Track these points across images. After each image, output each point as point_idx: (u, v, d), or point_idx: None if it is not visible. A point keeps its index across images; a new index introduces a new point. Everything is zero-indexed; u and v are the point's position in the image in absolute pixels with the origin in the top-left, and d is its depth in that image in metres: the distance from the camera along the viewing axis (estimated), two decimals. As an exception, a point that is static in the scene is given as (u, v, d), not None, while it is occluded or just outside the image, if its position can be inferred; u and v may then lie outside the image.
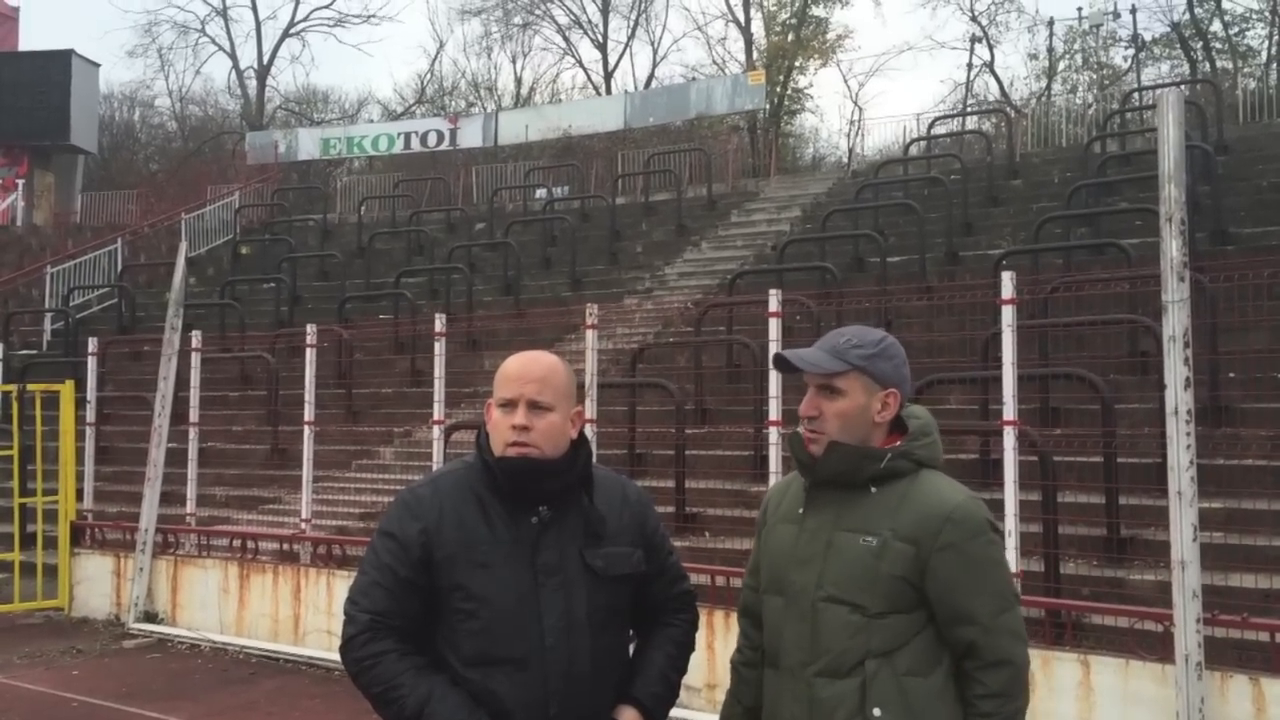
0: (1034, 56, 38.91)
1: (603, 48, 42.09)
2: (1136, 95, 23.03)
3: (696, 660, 7.43)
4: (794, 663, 2.41)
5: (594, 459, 2.66)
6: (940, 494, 2.40)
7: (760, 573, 2.59)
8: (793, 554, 2.46)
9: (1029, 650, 2.48)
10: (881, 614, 2.33)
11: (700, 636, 7.67)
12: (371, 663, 2.41)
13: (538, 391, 2.48)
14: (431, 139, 30.89)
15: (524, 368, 2.52)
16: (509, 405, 2.49)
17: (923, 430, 2.48)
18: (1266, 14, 33.41)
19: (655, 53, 52.76)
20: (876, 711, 2.30)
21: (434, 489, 2.52)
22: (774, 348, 7.88)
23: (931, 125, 23.00)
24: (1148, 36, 34.84)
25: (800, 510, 2.50)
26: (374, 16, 66.65)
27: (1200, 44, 34.17)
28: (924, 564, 2.34)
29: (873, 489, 2.41)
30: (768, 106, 33.27)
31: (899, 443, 2.45)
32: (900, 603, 2.34)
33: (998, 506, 6.52)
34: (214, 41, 44.70)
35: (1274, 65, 32.00)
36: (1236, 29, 34.29)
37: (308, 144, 32.25)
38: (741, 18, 38.43)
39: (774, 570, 2.51)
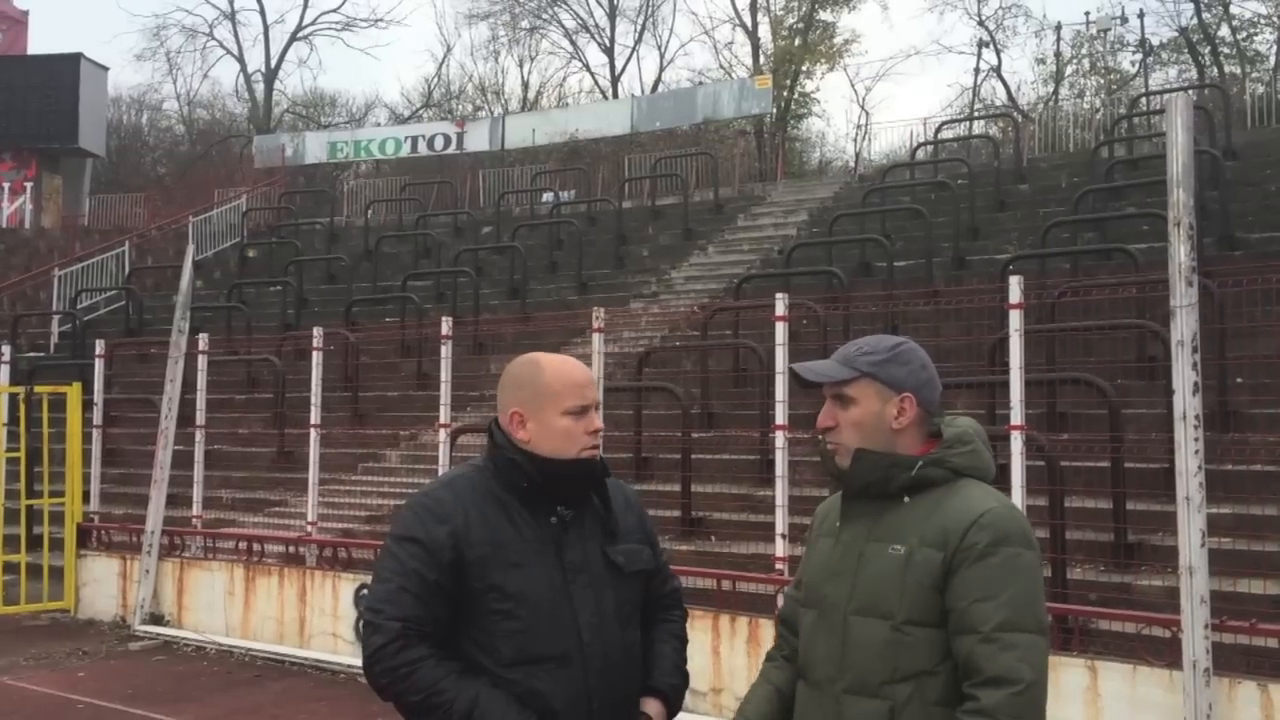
0: (1041, 61, 38.87)
1: (610, 52, 42.17)
2: (1144, 100, 22.98)
3: (702, 664, 7.43)
4: (823, 677, 2.36)
5: None
6: (972, 501, 2.29)
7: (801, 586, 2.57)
8: (827, 567, 2.42)
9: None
10: (909, 624, 2.24)
11: (705, 640, 7.66)
12: (408, 670, 2.37)
13: (594, 395, 2.59)
14: (438, 143, 30.93)
15: (585, 374, 2.60)
16: (582, 411, 2.54)
17: (959, 438, 2.39)
18: (1275, 19, 33.36)
19: (662, 57, 52.81)
20: None
21: (452, 491, 2.52)
22: (780, 352, 7.88)
23: (938, 130, 22.97)
24: (1155, 41, 34.83)
25: (838, 524, 2.45)
26: (381, 20, 66.82)
27: (1208, 49, 34.11)
28: (948, 570, 2.23)
29: (906, 499, 2.34)
30: (774, 111, 33.25)
31: (933, 450, 2.38)
32: (929, 615, 2.23)
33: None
34: (222, 45, 44.88)
35: (1282, 70, 31.92)
36: (1244, 34, 34.25)
37: (315, 147, 32.32)
38: (749, 22, 38.46)
39: (810, 584, 2.47)
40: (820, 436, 2.48)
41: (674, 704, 2.61)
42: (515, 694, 2.39)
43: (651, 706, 2.56)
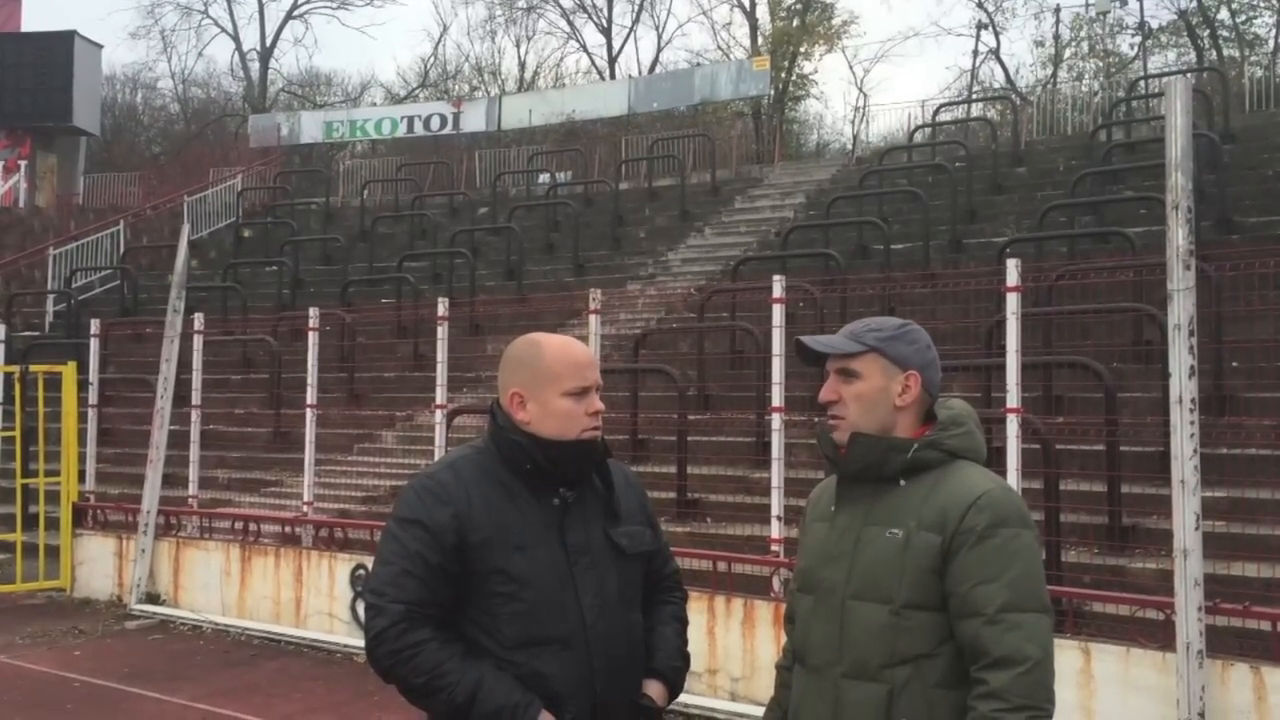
0: (1040, 43, 38.89)
1: (607, 32, 41.98)
2: (1142, 83, 22.94)
3: (698, 645, 7.44)
4: (821, 662, 2.36)
5: None
6: (969, 483, 2.29)
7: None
8: (823, 552, 2.42)
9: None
10: (908, 608, 2.24)
11: (701, 621, 7.68)
12: (412, 652, 2.37)
13: (595, 376, 2.56)
14: (435, 123, 30.82)
15: (586, 355, 2.58)
16: (583, 393, 2.52)
17: (954, 420, 2.39)
18: (1274, 1, 33.24)
19: (660, 38, 52.74)
20: None
21: (454, 473, 2.50)
22: (777, 334, 7.87)
23: (936, 112, 22.91)
24: (1154, 24, 34.72)
25: (832, 508, 2.45)
26: (377, -1, 66.28)
27: (1207, 32, 34.02)
28: (946, 552, 2.23)
29: (902, 482, 2.34)
30: (772, 92, 33.13)
31: (928, 433, 2.38)
32: (928, 598, 2.24)
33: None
34: (216, 23, 44.91)
35: (1281, 54, 31.87)
36: (1244, 17, 34.16)
37: (310, 127, 32.18)
38: (746, 2, 38.32)
39: (807, 569, 2.47)
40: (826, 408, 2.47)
41: (675, 686, 2.61)
42: (518, 676, 2.38)
43: (653, 688, 2.56)
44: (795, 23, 36.33)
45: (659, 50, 43.58)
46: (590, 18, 42.35)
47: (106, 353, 13.83)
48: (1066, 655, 5.82)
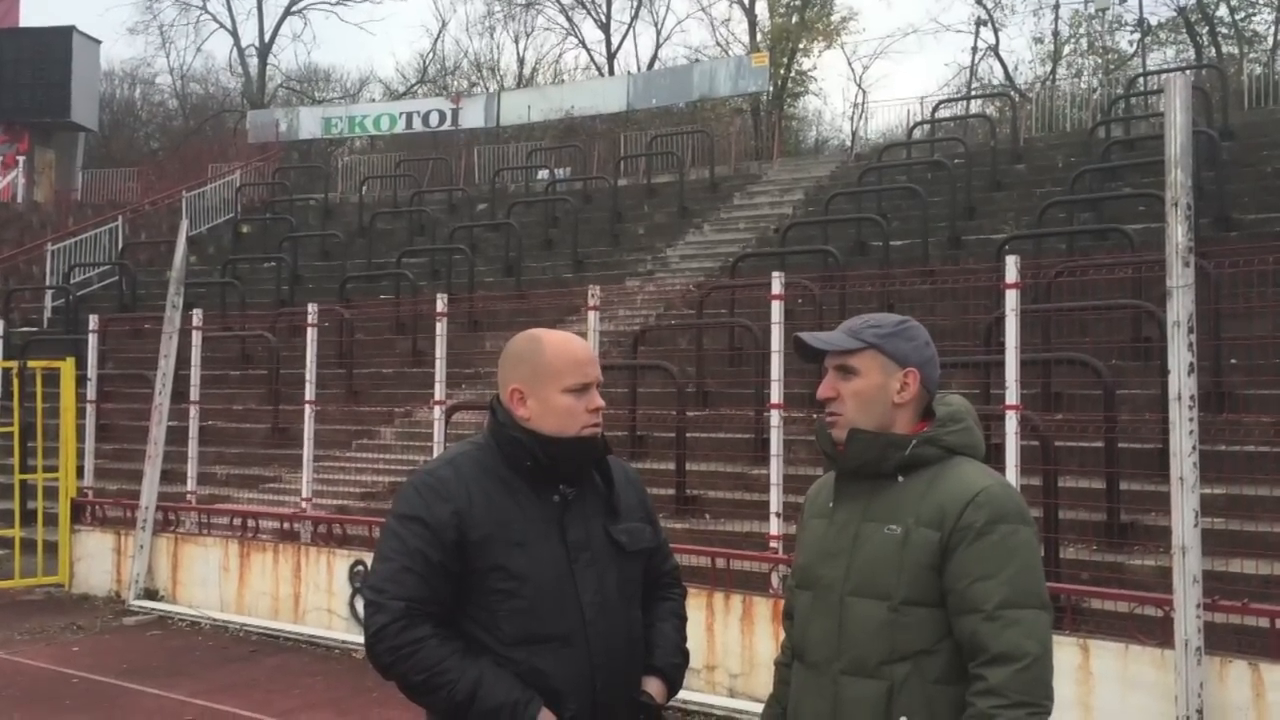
0: (1039, 40, 38.84)
1: (606, 28, 41.96)
2: (1141, 80, 22.93)
3: (696, 642, 7.46)
4: (820, 658, 2.35)
5: None
6: (967, 479, 2.29)
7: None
8: (821, 548, 2.41)
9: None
10: (907, 605, 2.24)
11: (700, 618, 7.68)
12: (411, 650, 2.36)
13: (596, 372, 2.55)
14: (433, 119, 30.78)
15: (586, 351, 2.57)
16: (584, 389, 2.51)
17: (952, 416, 2.39)
18: (1273, -1, 33.26)
19: (659, 34, 52.76)
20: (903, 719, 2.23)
21: (454, 470, 2.49)
22: (776, 331, 7.87)
23: (935, 109, 22.90)
24: (1154, 21, 34.71)
25: (830, 504, 2.44)
26: (376, -6, 66.31)
27: (1206, 29, 34.01)
28: (945, 549, 2.23)
29: (900, 478, 2.34)
30: (771, 89, 33.12)
31: (926, 429, 2.37)
32: (927, 595, 2.24)
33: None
34: (215, 19, 44.91)
35: (1280, 51, 31.86)
36: (1243, 14, 34.14)
37: (309, 123, 32.14)
38: (745, -1, 38.27)
39: (805, 565, 2.46)
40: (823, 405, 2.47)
41: (675, 683, 2.61)
42: (518, 673, 2.38)
43: (653, 685, 2.55)
44: (794, 19, 36.31)
45: (658, 46, 43.74)
46: (589, 14, 42.40)
47: (105, 348, 13.79)
48: (1065, 652, 5.82)
